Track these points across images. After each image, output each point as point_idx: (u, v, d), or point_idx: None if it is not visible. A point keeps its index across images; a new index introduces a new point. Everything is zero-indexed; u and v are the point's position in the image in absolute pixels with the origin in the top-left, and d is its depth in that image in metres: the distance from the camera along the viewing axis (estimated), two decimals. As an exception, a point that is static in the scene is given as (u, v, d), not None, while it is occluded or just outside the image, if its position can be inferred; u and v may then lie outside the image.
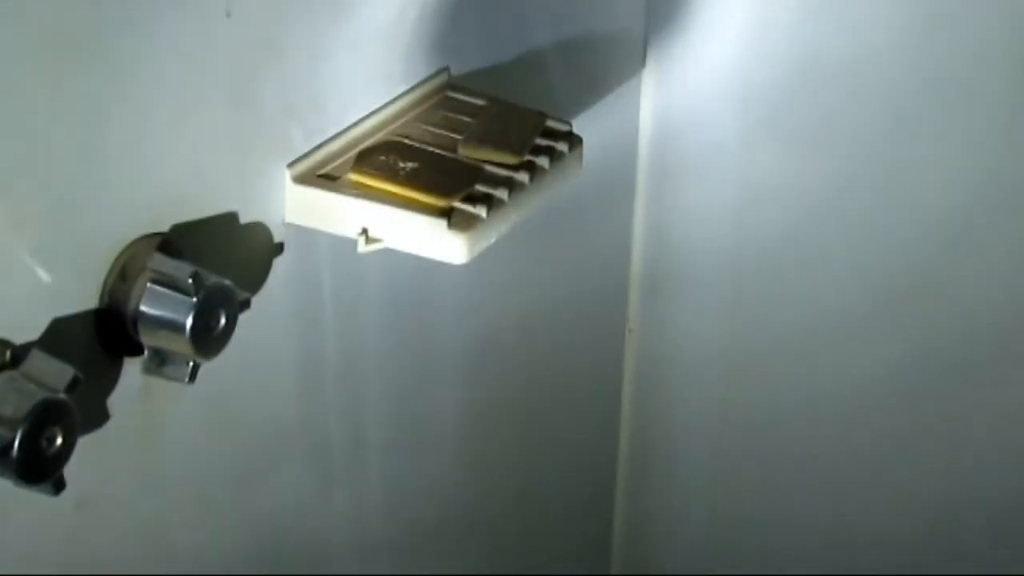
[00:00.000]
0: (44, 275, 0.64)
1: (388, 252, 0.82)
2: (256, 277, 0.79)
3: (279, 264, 0.81)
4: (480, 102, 0.89)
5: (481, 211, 0.77)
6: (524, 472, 1.23)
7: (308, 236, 0.81)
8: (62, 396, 0.60)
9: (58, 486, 0.62)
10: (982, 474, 1.30)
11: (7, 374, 0.60)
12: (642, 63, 1.24)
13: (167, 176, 0.70)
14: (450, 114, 0.88)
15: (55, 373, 0.61)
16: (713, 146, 1.28)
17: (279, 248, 0.80)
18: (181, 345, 0.68)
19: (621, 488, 1.46)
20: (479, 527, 1.18)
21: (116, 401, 0.71)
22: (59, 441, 0.61)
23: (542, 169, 0.83)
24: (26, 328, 0.64)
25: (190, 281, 0.66)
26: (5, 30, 0.59)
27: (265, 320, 0.79)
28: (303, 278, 0.84)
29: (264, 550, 0.89)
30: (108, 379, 0.70)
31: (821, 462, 1.37)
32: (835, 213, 1.25)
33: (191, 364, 0.69)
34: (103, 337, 0.69)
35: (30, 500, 0.63)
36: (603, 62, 1.18)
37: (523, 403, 1.20)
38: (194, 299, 0.67)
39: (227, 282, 0.69)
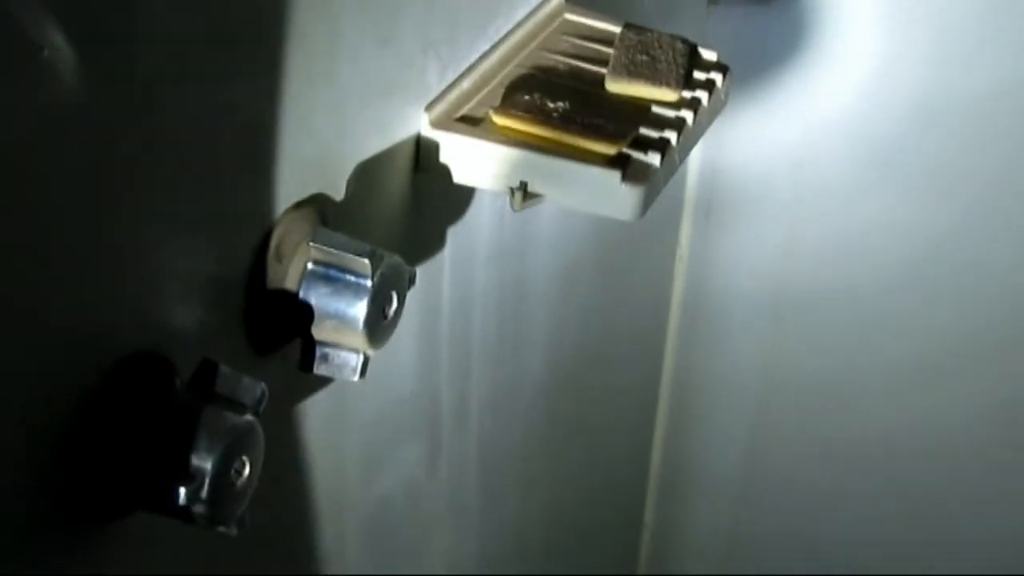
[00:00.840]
0: (191, 263, 0.53)
1: (489, 203, 0.72)
2: (397, 241, 0.68)
3: (407, 225, 0.70)
4: (607, 26, 0.78)
5: (654, 159, 0.67)
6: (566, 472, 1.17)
7: (428, 190, 0.70)
8: (250, 418, 0.49)
9: (241, 524, 0.51)
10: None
11: (185, 396, 0.49)
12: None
13: (314, 132, 0.59)
14: (578, 40, 0.77)
15: (242, 390, 0.49)
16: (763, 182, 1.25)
17: (420, 206, 0.69)
18: (352, 337, 0.57)
19: (651, 492, 1.45)
20: (540, 496, 1.10)
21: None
22: (247, 472, 0.50)
23: (703, 106, 0.72)
24: (173, 328, 0.52)
25: (366, 261, 0.55)
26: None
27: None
28: (426, 240, 0.73)
29: (375, 533, 0.79)
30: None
31: (850, 486, 1.37)
32: (937, 252, 1.23)
33: (361, 356, 0.58)
34: (251, 330, 0.57)
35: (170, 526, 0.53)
36: None
37: (579, 386, 1.12)
38: (370, 283, 0.56)
39: (398, 258, 0.58)
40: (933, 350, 1.26)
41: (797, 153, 1.22)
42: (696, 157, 1.26)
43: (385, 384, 0.73)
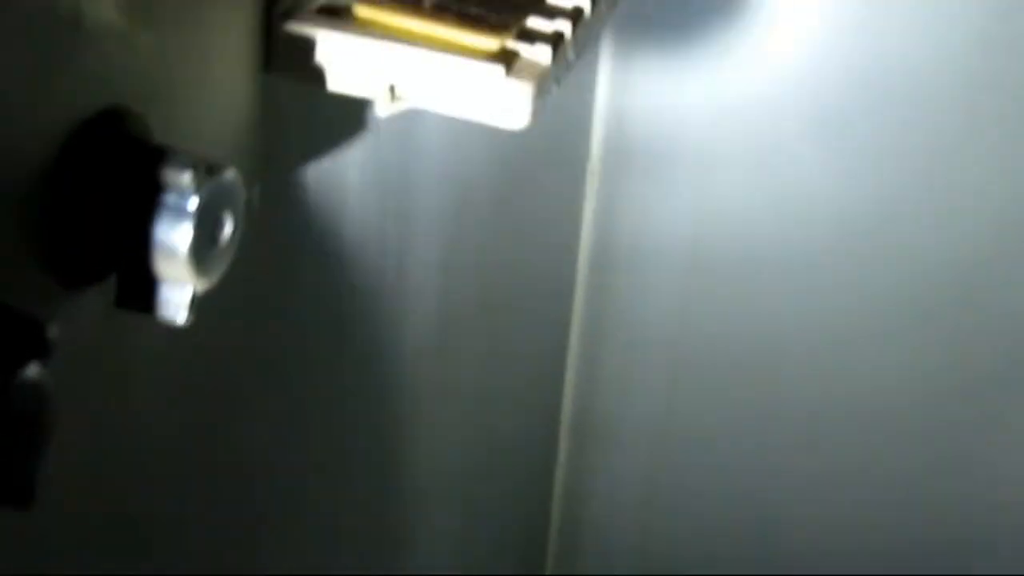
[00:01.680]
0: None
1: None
2: (243, 158, 0.57)
3: (257, 139, 0.59)
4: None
5: (544, 54, 0.57)
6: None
7: (281, 95, 0.60)
8: (33, 375, 0.39)
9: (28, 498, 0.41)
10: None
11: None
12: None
13: (136, 20, 0.48)
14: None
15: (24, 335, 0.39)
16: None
17: (272, 115, 0.58)
18: (176, 267, 0.46)
19: (559, 484, 1.40)
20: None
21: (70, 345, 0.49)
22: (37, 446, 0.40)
23: (600, -6, 0.63)
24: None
25: (188, 176, 0.45)
26: None
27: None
28: (283, 157, 0.63)
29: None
30: (60, 317, 0.48)
31: (763, 471, 1.32)
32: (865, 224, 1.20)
33: (188, 291, 0.48)
34: (54, 261, 0.47)
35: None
36: None
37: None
38: (194, 198, 0.45)
39: (232, 171, 0.48)
40: (862, 314, 1.23)
41: (716, 114, 1.18)
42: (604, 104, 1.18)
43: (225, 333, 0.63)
